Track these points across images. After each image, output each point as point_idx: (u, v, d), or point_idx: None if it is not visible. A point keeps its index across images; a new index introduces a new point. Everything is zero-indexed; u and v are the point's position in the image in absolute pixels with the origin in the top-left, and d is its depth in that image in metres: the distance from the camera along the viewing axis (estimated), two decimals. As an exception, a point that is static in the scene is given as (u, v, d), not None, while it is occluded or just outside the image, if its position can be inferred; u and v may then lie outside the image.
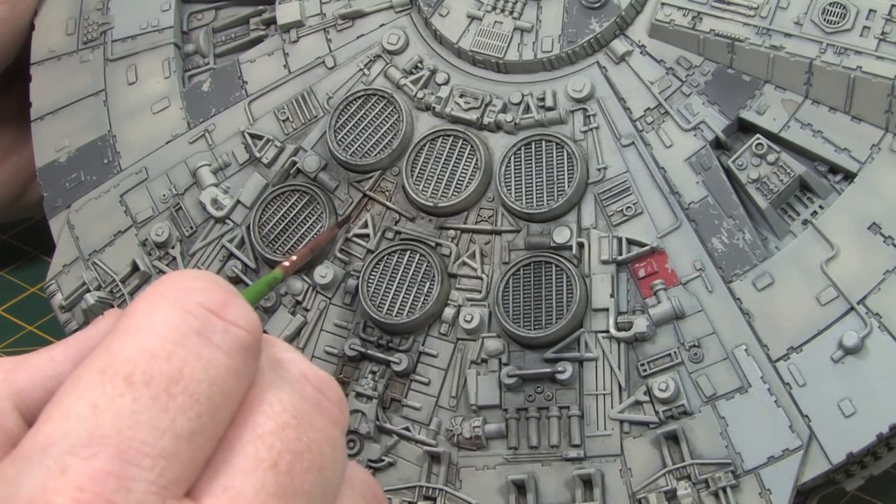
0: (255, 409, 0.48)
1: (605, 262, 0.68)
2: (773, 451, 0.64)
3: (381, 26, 0.76)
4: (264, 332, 0.56)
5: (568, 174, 0.69)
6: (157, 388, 0.45)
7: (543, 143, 0.70)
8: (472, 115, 0.72)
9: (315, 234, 0.72)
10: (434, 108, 0.73)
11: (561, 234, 0.69)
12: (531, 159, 0.70)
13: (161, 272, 0.76)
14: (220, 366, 0.46)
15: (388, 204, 0.72)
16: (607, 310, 0.68)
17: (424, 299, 0.70)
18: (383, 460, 0.69)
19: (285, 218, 0.73)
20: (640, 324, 0.67)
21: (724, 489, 0.64)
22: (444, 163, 0.71)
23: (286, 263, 0.61)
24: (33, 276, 0.88)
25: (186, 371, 0.45)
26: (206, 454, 0.46)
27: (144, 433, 0.44)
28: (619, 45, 0.71)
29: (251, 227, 0.73)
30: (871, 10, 0.66)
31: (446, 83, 0.73)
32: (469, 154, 0.71)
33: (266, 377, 0.49)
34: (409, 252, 0.71)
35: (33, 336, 0.85)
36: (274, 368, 0.49)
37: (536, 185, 0.70)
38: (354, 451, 0.69)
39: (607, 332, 0.67)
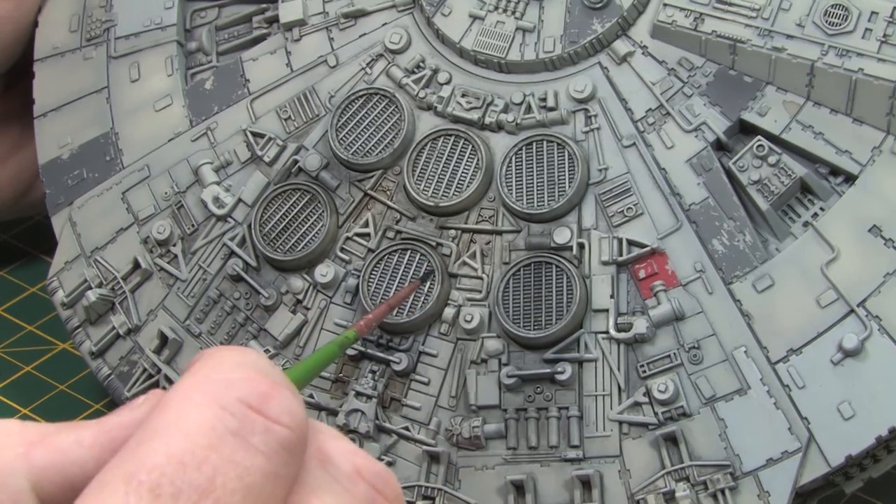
0: None
1: (605, 263, 0.68)
2: (771, 453, 0.64)
3: (383, 25, 0.76)
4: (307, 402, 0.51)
5: (569, 175, 0.69)
6: (184, 502, 0.41)
7: (545, 143, 0.70)
8: (474, 115, 0.72)
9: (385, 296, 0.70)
10: (436, 107, 0.73)
11: (561, 235, 0.69)
12: (532, 159, 0.70)
13: (162, 270, 0.76)
14: (258, 472, 0.42)
15: (390, 203, 0.72)
16: (607, 311, 0.68)
17: (425, 299, 0.70)
18: (382, 459, 0.69)
19: (287, 216, 0.73)
20: (640, 325, 0.67)
21: (722, 491, 0.64)
22: (445, 162, 0.71)
23: (361, 323, 0.59)
24: (34, 275, 0.88)
25: (219, 481, 0.41)
26: None
27: None
28: (621, 46, 0.71)
29: (252, 226, 0.74)
30: (873, 13, 0.66)
31: (448, 83, 0.73)
32: (470, 154, 0.71)
33: (312, 476, 0.44)
34: (409, 251, 0.71)
35: (33, 336, 0.85)
36: (322, 464, 0.45)
37: (537, 186, 0.70)
38: (354, 450, 0.69)
39: (607, 333, 0.67)
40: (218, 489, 0.41)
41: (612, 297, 0.68)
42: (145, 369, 0.75)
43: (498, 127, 0.72)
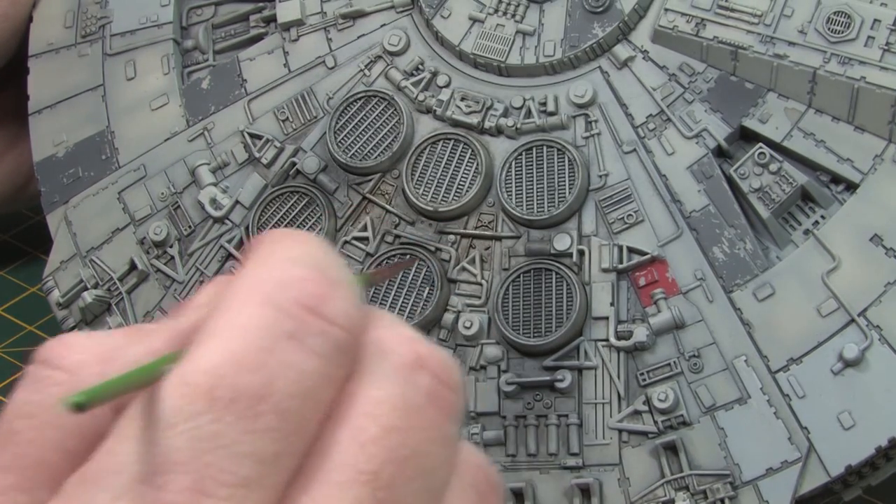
0: (356, 409, 0.42)
1: (605, 270, 0.68)
2: (771, 462, 0.64)
3: (382, 26, 0.75)
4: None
5: (569, 180, 0.69)
6: (241, 407, 0.40)
7: (545, 148, 0.70)
8: (474, 119, 0.72)
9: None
10: (435, 110, 0.72)
11: (561, 241, 0.69)
12: (532, 165, 0.70)
13: (159, 271, 0.75)
14: (314, 374, 0.41)
15: (388, 207, 0.72)
16: (607, 318, 0.67)
17: (423, 304, 0.70)
18: (381, 465, 0.69)
19: (284, 219, 0.73)
20: (640, 333, 0.66)
21: (722, 500, 0.64)
22: (444, 166, 0.71)
23: (377, 273, 0.58)
24: (33, 276, 0.87)
25: (277, 385, 0.40)
26: (292, 471, 0.41)
27: (223, 460, 0.39)
28: (622, 51, 0.71)
29: (250, 228, 0.73)
30: (875, 21, 0.66)
31: (447, 86, 0.73)
32: (470, 158, 0.71)
33: (370, 367, 0.43)
34: (407, 256, 0.70)
35: (33, 336, 0.85)
36: (381, 356, 0.43)
37: (537, 191, 0.69)
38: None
39: (607, 340, 0.67)
40: (276, 393, 0.40)
41: (612, 304, 0.68)
42: (142, 371, 0.75)
43: (497, 131, 0.71)
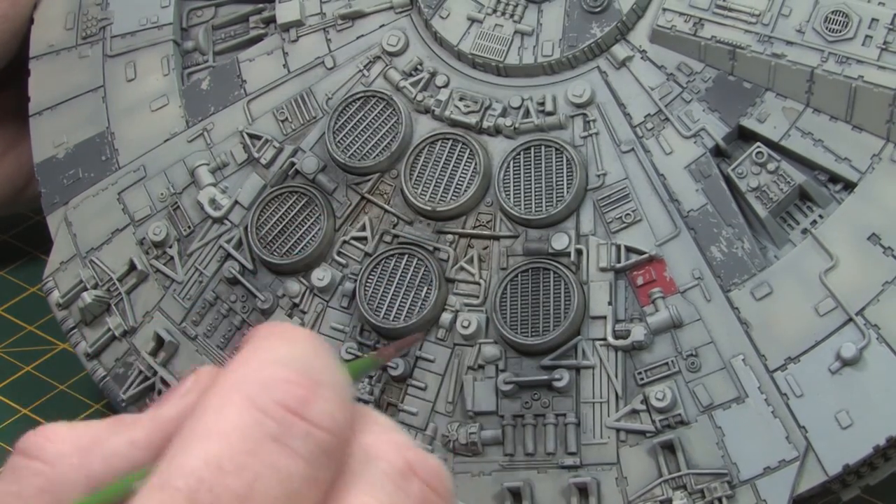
0: None
1: (603, 270, 0.68)
2: (769, 461, 0.64)
3: (381, 27, 0.75)
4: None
5: (567, 180, 0.69)
6: None
7: (543, 148, 0.70)
8: (472, 119, 0.72)
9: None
10: (433, 110, 0.72)
11: (559, 241, 0.69)
12: (530, 164, 0.70)
13: (158, 271, 0.76)
14: (298, 477, 0.41)
15: (387, 207, 0.72)
16: (605, 317, 0.67)
17: (422, 304, 0.70)
18: (379, 465, 0.69)
19: (283, 219, 0.73)
20: (638, 332, 0.66)
21: (719, 499, 0.64)
22: (442, 166, 0.71)
23: (385, 353, 0.58)
24: (33, 276, 0.87)
25: (259, 487, 0.40)
26: None
27: None
28: (620, 50, 0.71)
29: (249, 228, 0.73)
30: (873, 20, 0.66)
31: (446, 86, 0.73)
32: (468, 158, 0.71)
33: (359, 474, 0.43)
34: (406, 256, 0.70)
35: (33, 336, 0.85)
36: (371, 462, 0.43)
37: (535, 191, 0.69)
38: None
39: (605, 339, 0.67)
40: (258, 496, 0.40)
41: (609, 303, 0.67)
42: (141, 371, 0.75)
43: (496, 131, 0.71)
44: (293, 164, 0.74)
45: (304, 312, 0.72)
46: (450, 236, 0.71)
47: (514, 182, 0.70)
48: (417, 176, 0.71)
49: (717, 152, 0.69)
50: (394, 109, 0.73)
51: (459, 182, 0.71)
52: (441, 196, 0.71)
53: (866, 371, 0.63)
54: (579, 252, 0.68)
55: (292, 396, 0.41)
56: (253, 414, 0.41)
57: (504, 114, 0.71)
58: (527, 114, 0.71)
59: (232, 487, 0.40)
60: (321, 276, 0.72)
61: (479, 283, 0.70)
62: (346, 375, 0.44)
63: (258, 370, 0.42)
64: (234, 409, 0.41)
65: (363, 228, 0.72)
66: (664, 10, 0.69)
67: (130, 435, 0.44)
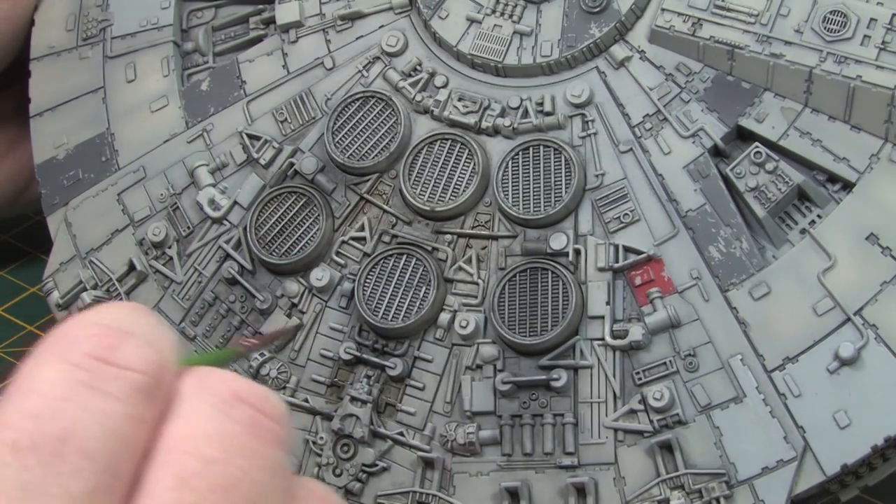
0: (174, 446, 0.44)
1: (601, 270, 0.68)
2: (767, 461, 0.64)
3: (380, 28, 0.76)
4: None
5: (565, 180, 0.69)
6: (44, 452, 0.42)
7: (541, 148, 0.70)
8: (471, 119, 0.72)
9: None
10: (432, 111, 0.72)
11: (557, 241, 0.69)
12: (529, 164, 0.70)
13: (157, 272, 0.76)
14: (117, 416, 0.43)
15: (385, 207, 0.72)
16: (603, 317, 0.67)
17: (420, 304, 0.69)
18: (377, 465, 0.69)
19: (282, 220, 0.73)
20: (636, 332, 0.66)
21: (717, 499, 0.64)
22: (441, 166, 0.71)
23: (247, 344, 0.59)
24: (33, 276, 0.87)
25: (76, 428, 0.42)
26: None
27: (36, 503, 0.41)
28: (619, 51, 0.71)
29: (248, 229, 0.73)
30: (871, 20, 0.66)
31: (445, 86, 0.73)
32: (467, 158, 0.71)
33: (187, 406, 0.45)
34: (405, 256, 0.70)
35: (33, 336, 0.85)
36: (196, 395, 0.46)
37: (534, 191, 0.69)
38: (348, 455, 0.69)
39: (603, 339, 0.67)
40: (77, 435, 0.42)
41: (607, 303, 0.67)
42: (140, 372, 0.75)
43: (494, 131, 0.71)
44: (292, 164, 0.74)
45: (303, 312, 0.72)
46: (448, 236, 0.71)
47: (512, 182, 0.70)
48: (416, 176, 0.71)
49: (716, 152, 0.69)
50: (393, 110, 0.73)
51: (458, 182, 0.71)
52: (440, 196, 0.71)
53: (864, 371, 0.63)
54: (577, 252, 0.68)
55: (100, 346, 0.44)
56: (64, 367, 0.44)
57: (503, 114, 0.71)
58: (525, 114, 0.71)
59: (50, 432, 0.42)
60: (320, 276, 0.72)
61: (477, 283, 0.70)
62: (167, 330, 0.47)
63: (68, 330, 0.45)
64: (47, 366, 0.44)
65: (362, 228, 0.72)
66: (663, 10, 0.69)
67: None
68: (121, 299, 0.76)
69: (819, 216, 0.67)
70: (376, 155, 0.72)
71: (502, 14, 0.72)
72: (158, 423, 0.45)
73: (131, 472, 0.43)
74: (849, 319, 0.64)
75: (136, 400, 0.44)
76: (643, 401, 0.66)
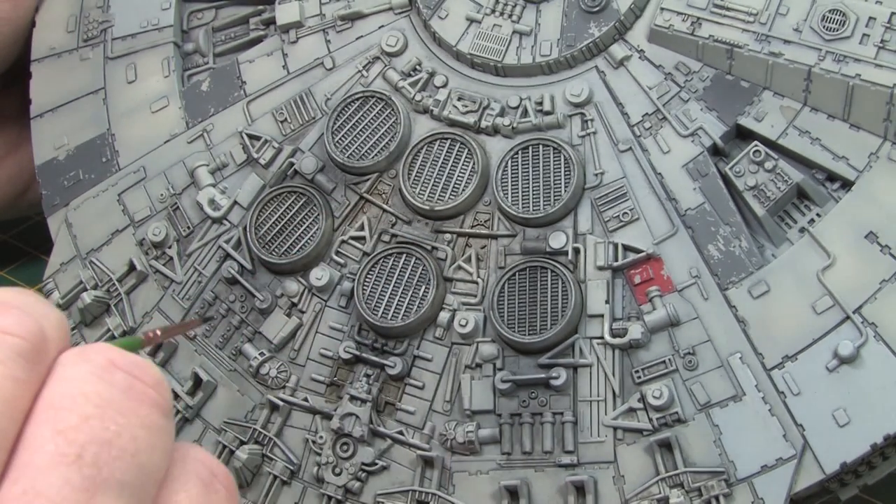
0: (55, 404, 0.47)
1: (600, 268, 0.68)
2: (766, 459, 0.64)
3: (380, 28, 0.76)
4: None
5: (565, 179, 0.69)
6: None
7: (541, 147, 0.70)
8: (470, 119, 0.72)
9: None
10: (432, 110, 0.73)
11: (557, 240, 0.69)
12: (528, 164, 0.70)
13: (158, 272, 0.76)
14: None
15: (385, 206, 0.72)
16: (602, 316, 0.67)
17: (420, 303, 0.70)
18: (377, 464, 0.69)
19: (282, 219, 0.73)
20: (635, 330, 0.66)
21: (717, 497, 0.64)
22: (440, 166, 0.71)
23: (150, 334, 0.60)
24: (33, 276, 0.87)
25: None
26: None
27: None
28: (618, 50, 0.71)
29: (248, 229, 0.73)
30: (870, 18, 0.66)
31: (444, 86, 0.73)
32: (466, 158, 0.71)
33: (66, 371, 0.49)
34: (404, 255, 0.70)
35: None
36: (75, 362, 0.49)
37: (533, 190, 0.69)
38: (348, 454, 0.69)
39: (602, 338, 0.67)
40: None
41: (607, 302, 0.67)
42: (140, 371, 0.75)
43: (494, 131, 0.71)
44: (292, 164, 0.74)
45: (303, 312, 0.72)
46: (448, 235, 0.71)
47: (511, 181, 0.70)
48: (416, 175, 0.71)
49: (715, 151, 0.69)
50: (392, 109, 0.73)
51: (458, 181, 0.71)
52: (439, 195, 0.71)
53: (864, 369, 0.63)
54: (577, 251, 0.68)
55: None
56: None
57: (502, 113, 0.71)
58: (525, 113, 0.71)
59: None
60: (319, 275, 0.72)
61: (476, 282, 0.70)
62: (51, 308, 0.50)
63: None
64: None
65: (361, 228, 0.72)
66: (662, 9, 0.70)
67: None
68: (121, 299, 0.76)
69: (818, 215, 0.67)
70: (376, 154, 0.72)
71: (502, 14, 0.72)
72: (39, 387, 0.48)
73: (13, 430, 0.47)
74: (848, 318, 0.64)
75: (16, 362, 0.47)
76: (642, 399, 0.66)
